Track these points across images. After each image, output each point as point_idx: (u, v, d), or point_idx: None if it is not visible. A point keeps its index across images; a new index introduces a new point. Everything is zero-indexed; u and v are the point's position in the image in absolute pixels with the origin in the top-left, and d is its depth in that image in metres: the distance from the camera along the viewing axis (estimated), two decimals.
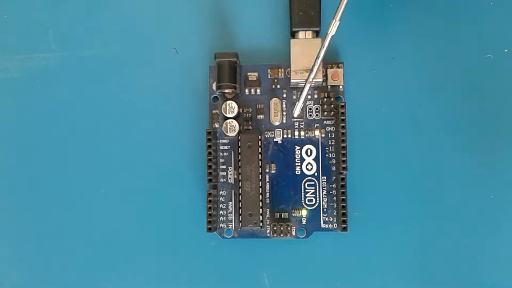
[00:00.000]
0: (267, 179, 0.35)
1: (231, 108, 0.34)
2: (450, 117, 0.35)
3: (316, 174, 0.35)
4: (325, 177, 0.35)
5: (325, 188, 0.34)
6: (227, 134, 0.35)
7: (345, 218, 0.33)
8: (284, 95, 0.35)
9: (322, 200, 0.34)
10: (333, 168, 0.35)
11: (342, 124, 0.33)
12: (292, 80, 0.34)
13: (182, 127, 0.36)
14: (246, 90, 0.35)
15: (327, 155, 0.35)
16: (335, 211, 0.34)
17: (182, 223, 0.35)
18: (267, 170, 0.35)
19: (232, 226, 0.35)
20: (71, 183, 0.36)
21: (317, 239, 0.35)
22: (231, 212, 0.35)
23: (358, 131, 0.35)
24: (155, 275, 0.35)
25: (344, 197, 0.33)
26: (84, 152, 0.36)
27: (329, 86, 0.35)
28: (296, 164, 0.35)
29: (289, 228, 0.34)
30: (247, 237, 0.34)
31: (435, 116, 0.35)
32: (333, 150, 0.35)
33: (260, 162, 0.34)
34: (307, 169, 0.35)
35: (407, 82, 0.35)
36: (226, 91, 0.34)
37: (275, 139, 0.35)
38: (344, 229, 0.33)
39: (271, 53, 0.36)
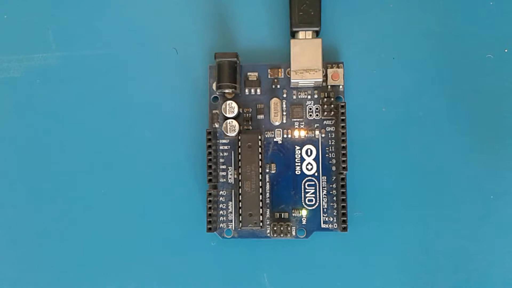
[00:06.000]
0: (267, 179, 0.35)
1: (231, 108, 0.34)
2: (450, 117, 0.35)
3: (316, 174, 0.35)
4: (325, 177, 0.35)
5: (325, 188, 0.34)
6: (227, 134, 0.35)
7: (345, 218, 0.33)
8: (284, 95, 0.35)
9: (322, 200, 0.34)
10: (333, 168, 0.35)
11: (342, 124, 0.33)
12: (292, 80, 0.34)
13: (182, 127, 0.36)
14: (246, 90, 0.35)
15: (327, 155, 0.35)
16: (335, 211, 0.34)
17: (182, 223, 0.35)
18: (267, 170, 0.35)
19: (232, 226, 0.35)
20: (71, 183, 0.36)
21: (317, 239, 0.35)
22: (231, 212, 0.35)
23: (358, 131, 0.35)
24: (155, 275, 0.35)
25: (344, 197, 0.33)
26: (84, 152, 0.36)
27: (329, 86, 0.35)
28: (296, 164, 0.35)
29: (289, 228, 0.34)
30: (247, 237, 0.34)
31: (435, 116, 0.35)
32: (333, 150, 0.35)
33: (260, 162, 0.34)
34: (307, 169, 0.35)
35: (407, 82, 0.35)
36: (226, 91, 0.34)
37: (275, 139, 0.35)
38: (344, 229, 0.33)
39: (271, 53, 0.36)
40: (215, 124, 0.35)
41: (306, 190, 0.35)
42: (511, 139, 0.35)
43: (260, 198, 0.33)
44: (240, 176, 0.34)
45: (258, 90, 0.35)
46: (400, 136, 0.35)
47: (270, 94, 0.35)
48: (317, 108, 0.35)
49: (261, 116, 0.35)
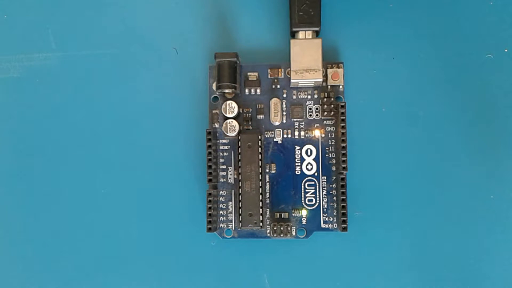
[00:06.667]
0: (267, 179, 0.35)
1: (231, 108, 0.34)
2: (450, 117, 0.35)
3: (316, 174, 0.35)
4: (325, 177, 0.35)
5: (325, 188, 0.34)
6: (227, 134, 0.35)
7: (345, 218, 0.33)
8: (284, 95, 0.35)
9: (322, 200, 0.34)
10: (333, 168, 0.35)
11: (342, 124, 0.33)
12: (292, 80, 0.34)
13: (182, 127, 0.36)
14: (246, 90, 0.35)
15: (327, 155, 0.35)
16: (335, 211, 0.34)
17: (182, 223, 0.35)
18: (267, 170, 0.35)
19: (232, 226, 0.35)
20: (71, 183, 0.36)
21: (317, 239, 0.35)
22: (231, 212, 0.35)
23: (358, 131, 0.35)
24: (155, 275, 0.35)
25: (344, 197, 0.33)
26: (84, 152, 0.36)
27: (329, 86, 0.35)
28: (296, 164, 0.35)
29: (289, 228, 0.34)
30: (247, 237, 0.34)
31: (435, 116, 0.35)
32: (333, 150, 0.35)
33: (260, 162, 0.34)
34: (307, 169, 0.35)
35: (407, 82, 0.35)
36: (226, 91, 0.34)
37: (275, 139, 0.35)
38: (344, 229, 0.33)
39: (271, 53, 0.36)
40: (215, 124, 0.35)
41: (306, 190, 0.35)
42: (511, 139, 0.35)
43: (260, 198, 0.33)
44: (240, 176, 0.34)
45: (258, 90, 0.35)
46: (400, 136, 0.35)
47: (270, 94, 0.35)
48: (317, 108, 0.35)
49: (261, 116, 0.35)
